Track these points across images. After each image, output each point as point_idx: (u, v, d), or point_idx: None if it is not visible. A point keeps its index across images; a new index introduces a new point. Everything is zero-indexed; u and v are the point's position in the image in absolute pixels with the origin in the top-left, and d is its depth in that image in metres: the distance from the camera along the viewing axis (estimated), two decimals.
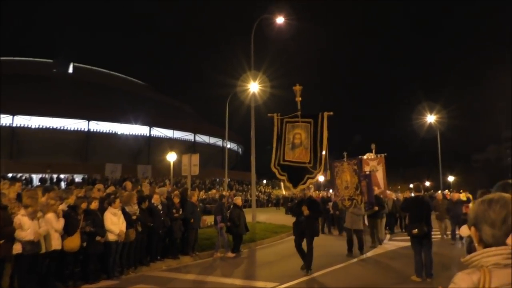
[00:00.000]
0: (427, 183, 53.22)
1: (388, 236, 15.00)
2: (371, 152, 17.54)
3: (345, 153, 11.75)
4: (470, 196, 14.89)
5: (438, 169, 37.86)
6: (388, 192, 17.83)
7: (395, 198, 17.20)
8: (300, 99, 9.18)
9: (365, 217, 12.38)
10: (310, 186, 12.92)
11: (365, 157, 17.31)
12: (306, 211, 8.56)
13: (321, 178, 30.81)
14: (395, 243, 13.57)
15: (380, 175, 16.71)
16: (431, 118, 36.46)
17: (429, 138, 40.63)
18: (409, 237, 8.39)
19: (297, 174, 8.78)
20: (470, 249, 6.80)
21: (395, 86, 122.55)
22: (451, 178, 51.81)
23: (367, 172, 13.81)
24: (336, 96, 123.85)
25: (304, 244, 8.76)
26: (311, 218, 8.73)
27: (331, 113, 8.67)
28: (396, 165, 53.51)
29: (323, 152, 8.64)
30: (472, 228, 1.53)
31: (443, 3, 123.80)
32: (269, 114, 9.41)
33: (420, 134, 41.18)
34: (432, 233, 8.31)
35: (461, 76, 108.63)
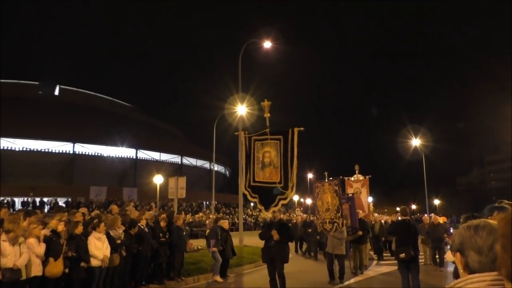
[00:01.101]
0: (413, 206, 53.52)
1: (375, 262, 14.69)
2: (355, 173, 17.44)
3: (326, 173, 11.35)
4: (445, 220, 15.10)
5: (424, 193, 38.14)
6: (376, 215, 17.81)
7: (383, 221, 16.91)
8: (268, 115, 8.75)
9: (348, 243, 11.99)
10: (281, 208, 12.56)
11: (352, 178, 17.31)
12: (275, 236, 7.97)
13: (308, 200, 30.69)
14: (380, 269, 13.26)
15: (364, 198, 16.45)
16: (416, 142, 36.99)
17: (414, 161, 41.15)
18: (395, 262, 8.37)
19: (268, 196, 8.24)
20: (457, 275, 6.83)
21: (380, 109, 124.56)
22: (436, 202, 52.22)
23: (350, 194, 13.24)
24: (322, 118, 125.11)
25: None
26: (281, 243, 8.11)
27: (302, 128, 8.19)
28: (382, 188, 53.80)
29: (295, 171, 8.10)
30: (458, 254, 1.52)
31: (426, 26, 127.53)
32: (236, 133, 9.16)
33: (405, 158, 41.71)
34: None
35: (445, 100, 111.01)
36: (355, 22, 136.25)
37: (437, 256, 12.91)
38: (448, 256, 7.70)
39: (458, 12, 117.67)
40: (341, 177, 10.31)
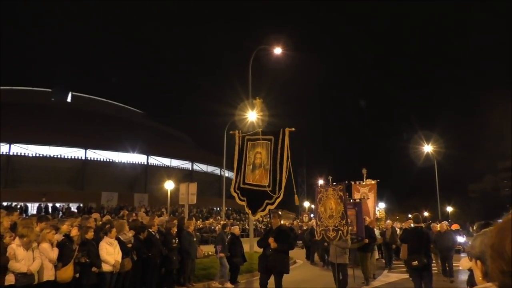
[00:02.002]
0: (426, 214, 52.89)
1: (385, 271, 14.17)
2: (362, 178, 16.91)
3: (330, 178, 10.55)
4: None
5: (436, 200, 37.67)
6: (388, 221, 17.36)
7: (398, 227, 16.15)
8: (261, 113, 8.57)
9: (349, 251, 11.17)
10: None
11: (360, 183, 16.85)
12: (273, 244, 7.51)
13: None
14: (388, 278, 12.64)
15: (371, 203, 15.85)
16: (428, 148, 36.62)
17: (426, 168, 40.70)
18: (405, 270, 8.17)
19: (256, 199, 7.76)
20: (472, 282, 6.70)
21: (391, 114, 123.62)
22: (449, 209, 51.53)
23: (357, 200, 12.66)
24: (332, 124, 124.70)
25: (272, 282, 7.78)
26: (279, 252, 7.61)
27: (293, 129, 7.65)
28: (393, 195, 53.29)
29: (284, 175, 7.53)
30: (478, 262, 1.48)
31: (440, 36, 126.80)
32: (231, 132, 8.58)
33: (417, 164, 41.29)
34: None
35: (458, 106, 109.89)
36: (365, 28, 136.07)
37: (446, 265, 12.16)
38: (462, 264, 7.57)
39: (468, 15, 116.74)
40: (346, 181, 9.63)
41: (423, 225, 9.69)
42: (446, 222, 13.68)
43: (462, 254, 15.20)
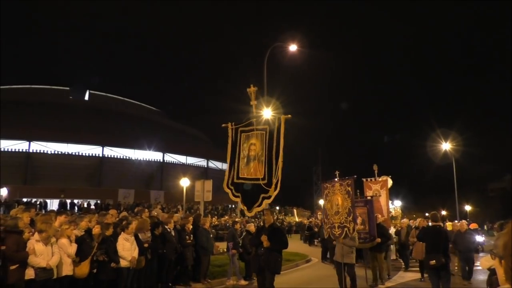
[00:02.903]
0: (443, 212, 52.11)
1: (400, 272, 13.46)
2: (374, 174, 16.08)
3: (337, 172, 9.91)
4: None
5: (454, 198, 37.06)
6: (404, 220, 16.92)
7: (415, 225, 14.82)
8: (255, 102, 7.78)
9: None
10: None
11: (372, 179, 16.19)
12: (266, 242, 7.01)
13: None
14: (402, 280, 12.02)
15: (383, 201, 15.11)
16: (446, 146, 36.03)
17: (444, 166, 40.07)
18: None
19: (252, 194, 7.28)
20: (492, 282, 6.55)
21: (408, 112, 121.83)
22: (467, 208, 50.69)
23: (369, 197, 12.01)
24: (348, 122, 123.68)
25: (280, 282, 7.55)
26: (272, 251, 7.09)
27: (289, 116, 7.18)
28: (410, 193, 52.65)
29: (280, 165, 7.05)
30: (503, 262, 1.43)
31: (459, 33, 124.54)
32: (223, 125, 8.05)
33: (434, 162, 40.68)
34: None
35: (476, 103, 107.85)
36: (382, 24, 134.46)
37: (466, 267, 11.21)
38: (482, 263, 7.41)
39: (488, 12, 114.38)
40: (355, 176, 9.01)
41: (441, 223, 9.47)
42: (465, 221, 13.25)
43: (481, 254, 14.89)
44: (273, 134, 7.15)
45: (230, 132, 7.93)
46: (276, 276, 7.27)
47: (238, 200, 7.65)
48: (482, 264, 7.22)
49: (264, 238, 7.03)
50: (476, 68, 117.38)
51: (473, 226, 15.48)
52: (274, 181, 6.95)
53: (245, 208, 7.42)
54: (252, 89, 7.85)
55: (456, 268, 12.09)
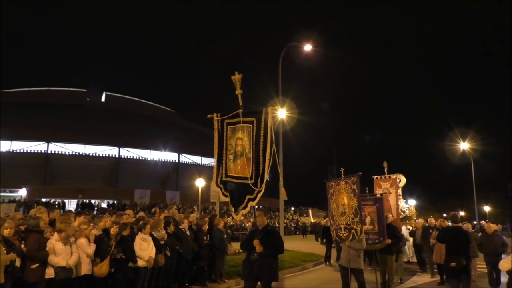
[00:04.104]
0: (461, 213, 51.27)
1: (415, 276, 12.66)
2: (384, 172, 15.36)
3: (342, 170, 9.04)
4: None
5: (473, 198, 36.42)
6: (419, 220, 16.32)
7: (435, 225, 13.59)
8: (241, 91, 7.04)
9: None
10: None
11: (381, 177, 15.21)
12: (258, 247, 6.10)
13: None
14: (412, 283, 11.35)
15: (393, 200, 14.34)
16: (464, 145, 35.44)
17: (462, 166, 39.43)
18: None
19: (238, 194, 6.70)
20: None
21: (426, 111, 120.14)
22: (487, 208, 49.78)
23: (378, 195, 10.93)
24: (364, 121, 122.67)
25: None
26: (267, 257, 6.15)
27: (276, 107, 6.68)
28: (427, 193, 51.96)
29: (267, 164, 6.41)
30: None
31: (477, 31, 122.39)
32: (208, 116, 7.48)
33: (452, 162, 40.06)
34: None
35: (496, 102, 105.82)
36: (399, 23, 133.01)
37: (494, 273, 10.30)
38: (502, 265, 7.25)
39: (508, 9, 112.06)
40: (360, 173, 8.31)
41: (461, 224, 9.21)
42: (484, 222, 12.81)
43: (503, 256, 14.50)
44: (260, 127, 6.53)
45: (216, 124, 7.34)
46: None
47: (228, 199, 7.04)
48: (502, 266, 7.06)
49: (256, 242, 6.15)
50: (494, 67, 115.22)
51: (493, 227, 15.09)
52: (260, 181, 6.42)
53: (233, 209, 6.89)
54: (236, 77, 7.10)
55: (476, 274, 11.42)
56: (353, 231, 7.96)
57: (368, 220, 9.76)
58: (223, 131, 7.20)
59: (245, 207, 6.56)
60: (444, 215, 37.55)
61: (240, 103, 6.95)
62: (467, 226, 12.02)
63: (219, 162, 7.20)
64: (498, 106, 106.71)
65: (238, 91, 7.01)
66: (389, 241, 9.65)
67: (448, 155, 39.14)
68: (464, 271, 7.62)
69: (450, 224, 10.02)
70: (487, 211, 49.32)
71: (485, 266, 10.68)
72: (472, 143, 35.77)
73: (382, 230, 9.64)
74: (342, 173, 8.78)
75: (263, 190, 6.36)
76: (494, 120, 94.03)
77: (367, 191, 10.87)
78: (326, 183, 9.04)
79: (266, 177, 6.35)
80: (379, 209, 9.66)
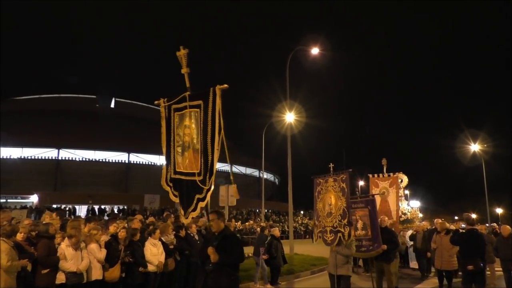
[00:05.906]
0: (473, 215, 50.59)
1: (419, 285, 11.45)
2: (382, 170, 14.26)
3: (331, 165, 8.09)
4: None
5: (484, 201, 36.00)
6: (423, 223, 15.33)
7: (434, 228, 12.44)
8: (187, 70, 5.87)
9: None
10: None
11: (379, 175, 14.18)
12: (213, 256, 4.89)
13: None
14: None
15: (392, 201, 13.34)
16: (475, 147, 35.09)
17: (473, 168, 39.03)
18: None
19: (188, 194, 5.65)
20: None
21: (436, 113, 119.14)
22: (499, 210, 49.14)
23: (370, 196, 9.66)
24: (373, 123, 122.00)
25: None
26: (223, 267, 4.93)
27: (226, 86, 5.37)
28: (438, 195, 51.42)
29: (216, 155, 5.39)
30: None
31: (487, 33, 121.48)
32: (155, 102, 6.31)
33: (464, 164, 39.68)
34: None
35: (507, 103, 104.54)
36: (408, 25, 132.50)
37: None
38: None
39: None
40: (350, 169, 7.53)
41: (476, 227, 8.90)
42: (495, 224, 12.40)
43: None
44: (207, 112, 5.42)
45: (163, 112, 6.15)
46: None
47: (177, 200, 5.91)
48: None
49: (211, 250, 4.93)
50: (506, 68, 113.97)
51: (509, 229, 14.74)
52: (209, 177, 5.41)
53: (182, 212, 5.78)
54: (182, 52, 5.91)
55: (493, 279, 10.78)
56: (339, 234, 7.26)
57: (359, 225, 8.89)
58: (170, 118, 6.05)
59: (194, 209, 5.54)
60: (456, 217, 37.16)
61: (188, 85, 5.83)
62: (482, 228, 11.45)
63: (168, 156, 6.09)
64: (510, 108, 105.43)
65: (184, 70, 5.86)
66: (384, 247, 8.67)
67: (459, 156, 38.79)
68: (480, 274, 7.52)
69: (463, 226, 9.75)
70: (499, 213, 48.67)
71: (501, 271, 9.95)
72: (484, 145, 35.42)
73: (375, 236, 8.65)
74: (331, 169, 7.97)
75: (212, 188, 5.39)
76: (505, 122, 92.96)
77: (357, 192, 10.27)
78: (314, 179, 8.25)
79: (215, 171, 5.37)
80: (372, 212, 8.76)
